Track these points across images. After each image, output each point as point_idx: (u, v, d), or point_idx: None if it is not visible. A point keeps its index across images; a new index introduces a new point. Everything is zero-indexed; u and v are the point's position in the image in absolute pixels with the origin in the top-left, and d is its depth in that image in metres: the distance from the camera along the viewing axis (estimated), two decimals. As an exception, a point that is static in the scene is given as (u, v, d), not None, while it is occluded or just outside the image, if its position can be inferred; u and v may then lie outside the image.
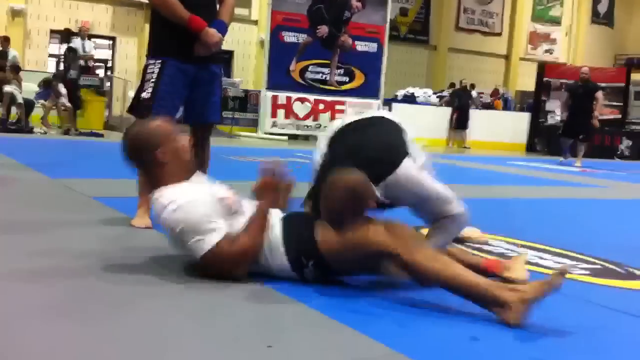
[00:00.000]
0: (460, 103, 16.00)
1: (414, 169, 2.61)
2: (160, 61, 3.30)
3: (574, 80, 12.46)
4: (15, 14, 16.63)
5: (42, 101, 11.59)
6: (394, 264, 2.23)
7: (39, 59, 16.92)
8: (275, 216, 2.44)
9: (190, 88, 3.37)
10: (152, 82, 3.28)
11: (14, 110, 10.93)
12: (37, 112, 11.50)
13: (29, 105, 11.16)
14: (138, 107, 3.32)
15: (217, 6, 3.46)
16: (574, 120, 11.50)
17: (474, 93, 17.84)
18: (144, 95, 3.28)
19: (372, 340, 1.87)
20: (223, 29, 3.35)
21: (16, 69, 11.50)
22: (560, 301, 2.52)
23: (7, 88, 10.72)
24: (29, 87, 11.77)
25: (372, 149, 2.59)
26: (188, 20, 3.21)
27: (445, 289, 2.22)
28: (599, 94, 11.74)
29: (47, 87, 11.60)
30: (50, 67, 16.21)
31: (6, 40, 12.39)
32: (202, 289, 2.26)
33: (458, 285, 2.18)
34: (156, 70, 3.28)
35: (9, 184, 4.47)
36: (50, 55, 17.05)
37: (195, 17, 3.22)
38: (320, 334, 1.93)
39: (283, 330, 1.96)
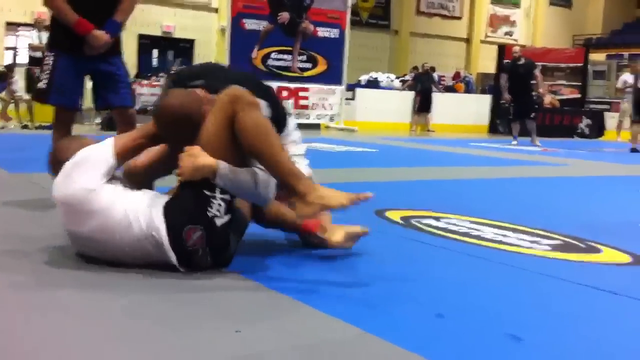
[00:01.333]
0: (422, 87, 16.09)
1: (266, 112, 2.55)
2: (54, 54, 3.61)
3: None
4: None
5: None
6: (235, 123, 2.26)
7: (-6, 52, 16.55)
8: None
9: (92, 78, 3.75)
10: (47, 73, 3.61)
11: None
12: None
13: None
14: (37, 95, 3.77)
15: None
16: (522, 100, 11.77)
17: (435, 76, 17.95)
18: (41, 85, 3.66)
19: (343, 322, 1.90)
20: (114, 29, 3.65)
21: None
22: (522, 276, 2.59)
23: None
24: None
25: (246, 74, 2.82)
26: (75, 24, 3.51)
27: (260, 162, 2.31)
28: (537, 72, 12.24)
29: (3, 80, 11.37)
30: (7, 59, 15.86)
31: None
32: (167, 277, 2.26)
33: (275, 161, 2.26)
34: (51, 63, 3.60)
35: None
36: (7, 48, 16.69)
37: (81, 21, 3.50)
38: (290, 317, 1.95)
39: (250, 315, 1.97)
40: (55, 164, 2.45)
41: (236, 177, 2.30)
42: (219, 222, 2.29)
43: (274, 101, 2.73)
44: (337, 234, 2.71)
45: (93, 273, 2.29)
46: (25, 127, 10.76)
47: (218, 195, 2.29)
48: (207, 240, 2.28)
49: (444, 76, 19.95)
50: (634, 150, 11.38)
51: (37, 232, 2.87)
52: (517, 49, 12.88)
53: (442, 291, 2.31)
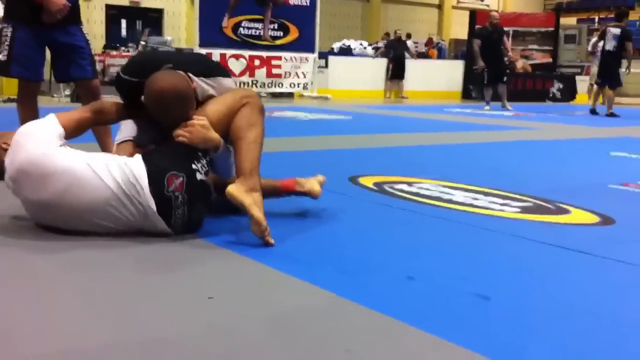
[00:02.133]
0: (395, 54, 16.06)
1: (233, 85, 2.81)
2: (12, 25, 3.53)
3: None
4: None
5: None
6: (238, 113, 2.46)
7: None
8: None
9: (52, 49, 3.66)
10: (7, 45, 3.53)
11: None
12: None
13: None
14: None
15: None
16: (495, 66, 11.88)
17: (410, 43, 17.92)
18: (0, 57, 3.55)
19: (316, 287, 1.91)
20: None
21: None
22: (492, 237, 2.63)
23: None
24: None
25: (203, 56, 3.13)
26: None
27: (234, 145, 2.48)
28: (505, 38, 12.59)
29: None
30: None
31: None
32: (136, 245, 2.25)
33: (244, 150, 2.42)
34: (9, 34, 3.53)
35: None
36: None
37: None
38: (264, 284, 1.97)
39: (224, 282, 1.98)
40: None
41: (224, 153, 2.51)
42: (199, 176, 2.36)
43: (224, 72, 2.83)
44: (315, 186, 2.83)
45: (59, 243, 2.27)
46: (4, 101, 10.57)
47: (206, 159, 2.42)
48: (187, 189, 2.32)
49: (417, 42, 19.92)
50: (593, 112, 11.55)
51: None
52: (496, 15, 12.89)
53: (413, 254, 2.34)
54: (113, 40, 17.11)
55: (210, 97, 2.59)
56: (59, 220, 2.36)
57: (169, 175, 2.30)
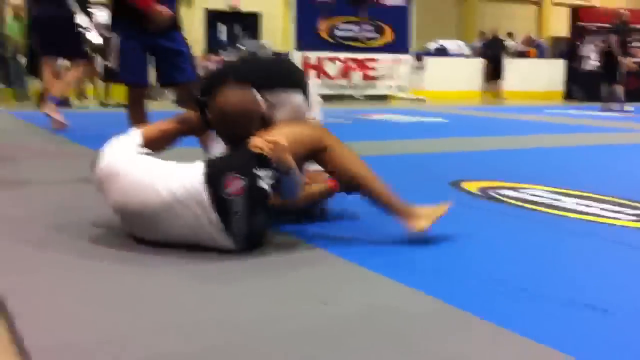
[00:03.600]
0: (492, 53, 15.72)
1: (302, 102, 2.65)
2: (119, 34, 3.71)
3: (609, 23, 12.18)
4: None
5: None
6: (327, 159, 2.42)
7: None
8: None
9: (155, 54, 3.79)
10: (115, 53, 3.72)
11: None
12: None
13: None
14: (107, 75, 3.82)
15: None
16: (612, 64, 11.44)
17: (512, 43, 17.51)
18: (110, 65, 3.80)
19: (424, 294, 1.89)
20: (171, 4, 3.71)
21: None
22: (606, 246, 2.52)
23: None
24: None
25: (271, 63, 2.85)
26: (136, 0, 3.58)
27: (361, 193, 2.47)
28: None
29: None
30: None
31: None
32: (238, 253, 2.28)
33: (379, 191, 2.44)
34: (117, 43, 3.70)
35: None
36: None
37: None
38: (370, 289, 1.95)
39: (336, 288, 1.98)
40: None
41: (291, 179, 2.33)
42: (261, 183, 2.22)
43: (303, 85, 2.73)
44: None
45: (157, 253, 2.28)
46: (102, 104, 11.05)
47: (272, 172, 2.26)
48: (248, 194, 2.20)
49: (514, 41, 19.38)
50: None
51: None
52: (627, 13, 12.36)
53: (524, 264, 2.27)
54: (212, 44, 17.56)
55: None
56: (130, 228, 2.40)
57: (227, 176, 2.19)
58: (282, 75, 2.68)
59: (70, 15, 6.37)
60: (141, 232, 2.36)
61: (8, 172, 4.06)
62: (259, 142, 2.27)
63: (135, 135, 2.50)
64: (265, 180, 2.23)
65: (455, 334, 1.64)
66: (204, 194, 2.18)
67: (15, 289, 1.91)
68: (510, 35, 18.56)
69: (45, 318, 1.70)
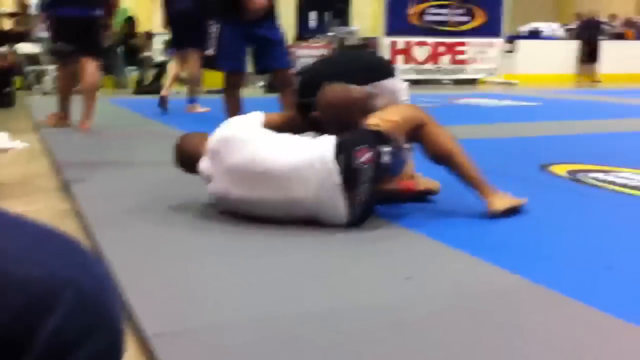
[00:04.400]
0: (588, 35, 15.20)
1: (399, 84, 2.85)
2: (218, 23, 3.99)
3: None
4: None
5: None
6: (424, 134, 2.58)
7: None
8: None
9: (251, 43, 4.00)
10: (215, 41, 4.01)
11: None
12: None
13: (161, 68, 11.78)
14: (206, 62, 4.30)
15: None
16: None
17: (609, 25, 16.87)
18: (210, 52, 4.10)
19: (509, 272, 1.95)
20: None
21: (149, 36, 12.25)
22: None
23: (147, 53, 11.49)
24: (160, 50, 12.40)
25: (362, 61, 2.95)
26: None
27: (451, 167, 2.61)
28: None
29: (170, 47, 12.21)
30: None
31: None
32: (334, 228, 2.40)
33: (467, 167, 2.61)
34: (217, 32, 3.97)
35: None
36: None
37: None
38: (456, 266, 2.03)
39: (419, 263, 2.07)
40: (181, 154, 2.70)
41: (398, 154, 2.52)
42: (385, 158, 2.38)
43: (392, 72, 2.87)
44: (433, 182, 2.89)
45: (254, 233, 2.41)
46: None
47: (391, 148, 2.42)
48: (375, 165, 2.35)
49: (608, 23, 18.60)
50: None
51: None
52: None
53: (612, 243, 2.29)
54: (303, 32, 17.76)
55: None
56: (245, 200, 2.46)
57: (359, 147, 2.34)
58: (372, 69, 2.82)
59: (199, 11, 6.50)
60: (254, 200, 2.44)
61: (117, 154, 4.34)
62: (377, 121, 2.48)
63: (258, 115, 2.66)
64: (387, 155, 2.39)
65: (540, 312, 1.70)
66: (334, 162, 2.33)
67: (128, 265, 2.10)
68: (613, 17, 17.87)
69: (161, 302, 1.87)
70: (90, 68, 5.42)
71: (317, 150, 2.37)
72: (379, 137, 2.42)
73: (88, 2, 5.25)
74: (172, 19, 7.00)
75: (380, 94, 2.67)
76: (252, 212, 2.48)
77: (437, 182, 2.90)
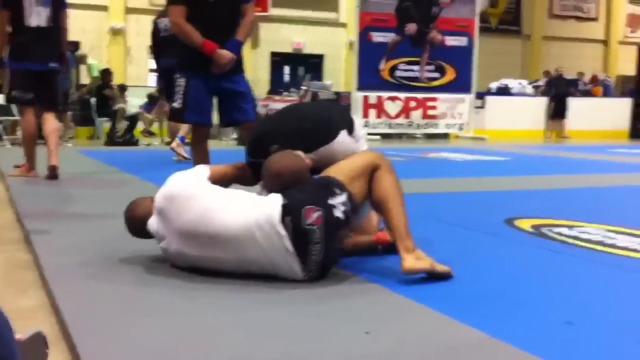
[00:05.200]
0: (557, 91, 15.57)
1: (347, 139, 2.79)
2: (184, 75, 3.90)
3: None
4: (116, 32, 17.48)
5: (145, 113, 12.23)
6: (373, 178, 2.53)
7: (140, 74, 17.72)
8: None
9: (218, 96, 3.99)
10: (181, 93, 3.90)
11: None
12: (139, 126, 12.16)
13: (133, 120, 11.80)
14: (173, 114, 4.08)
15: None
16: None
17: (580, 83, 17.36)
18: (176, 105, 3.96)
19: (470, 326, 1.94)
20: (236, 48, 3.89)
21: (122, 88, 12.35)
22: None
23: (120, 105, 11.54)
24: (133, 102, 12.44)
25: (309, 121, 2.86)
26: (201, 45, 3.78)
27: (383, 213, 2.54)
28: None
29: (153, 102, 12.28)
30: (151, 81, 16.93)
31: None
32: (291, 283, 2.38)
33: (397, 217, 2.49)
34: (183, 84, 3.89)
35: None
36: (151, 70, 17.81)
37: (206, 42, 3.78)
38: (417, 321, 2.02)
39: (379, 318, 2.05)
40: (132, 222, 2.66)
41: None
42: (336, 213, 2.36)
43: (347, 123, 2.85)
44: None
45: (208, 285, 2.37)
46: (168, 143, 11.45)
47: (344, 197, 2.40)
48: (325, 223, 2.32)
49: (578, 79, 19.13)
50: None
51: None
52: None
53: (572, 299, 2.29)
54: (277, 86, 17.95)
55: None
56: (200, 259, 2.43)
57: (306, 208, 2.32)
58: (323, 130, 2.78)
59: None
60: (208, 258, 2.41)
61: (79, 206, 4.29)
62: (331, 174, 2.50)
63: (203, 170, 2.64)
64: (339, 208, 2.37)
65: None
66: (281, 226, 2.30)
67: (78, 320, 2.05)
68: (580, 74, 18.36)
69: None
70: (49, 117, 5.68)
71: (264, 212, 2.33)
72: (329, 189, 2.40)
73: (45, 57, 5.51)
74: (161, 74, 7.31)
75: (327, 156, 2.67)
76: (211, 268, 2.44)
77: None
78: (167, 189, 2.52)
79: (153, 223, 2.52)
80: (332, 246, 2.38)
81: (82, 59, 12.35)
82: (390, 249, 2.81)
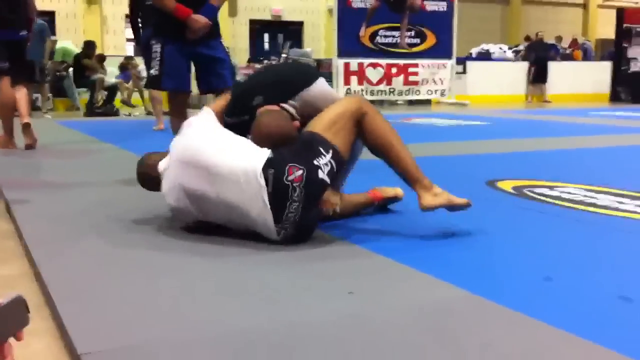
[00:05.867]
0: (537, 56, 15.59)
1: (326, 85, 2.86)
2: (160, 42, 3.82)
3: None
4: (91, 1, 17.20)
5: (124, 83, 12.10)
6: (364, 123, 2.54)
7: (117, 43, 17.49)
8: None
9: (195, 62, 3.92)
10: (158, 60, 3.82)
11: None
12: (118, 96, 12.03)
13: (113, 90, 11.66)
14: (150, 82, 4.02)
15: None
16: None
17: (558, 46, 17.35)
18: (153, 72, 3.86)
19: (452, 285, 1.95)
20: (210, 13, 3.80)
21: (101, 58, 12.16)
22: (637, 241, 2.54)
23: (98, 75, 11.36)
24: (111, 72, 12.29)
25: (287, 69, 3.00)
26: (174, 10, 3.71)
27: (388, 158, 2.59)
28: None
29: (124, 70, 12.12)
30: (129, 51, 16.74)
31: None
32: (278, 247, 2.38)
33: (404, 160, 2.57)
34: (158, 50, 3.81)
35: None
36: (128, 40, 17.58)
37: (179, 7, 3.71)
38: (400, 281, 2.03)
39: (362, 278, 2.06)
40: (145, 179, 2.74)
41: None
42: (320, 173, 2.36)
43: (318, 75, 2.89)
44: (397, 189, 3.01)
45: (192, 245, 2.41)
46: (149, 113, 11.35)
47: (329, 157, 2.40)
48: (306, 183, 2.33)
49: (555, 43, 19.14)
50: None
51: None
52: None
53: (552, 256, 2.32)
54: (257, 54, 17.81)
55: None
56: (190, 193, 2.45)
57: (290, 164, 2.32)
58: (299, 77, 2.82)
59: None
60: (199, 196, 2.43)
61: (62, 176, 4.25)
62: (317, 129, 2.50)
63: (209, 113, 2.69)
64: (324, 170, 2.37)
65: (479, 322, 1.70)
66: (262, 177, 2.31)
67: (63, 288, 2.04)
68: (559, 39, 18.38)
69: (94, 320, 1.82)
70: (20, 87, 5.66)
71: (250, 161, 2.35)
72: (315, 148, 2.39)
73: (15, 26, 5.48)
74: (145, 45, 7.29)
75: (309, 103, 2.69)
76: (197, 210, 2.47)
77: (399, 189, 2.99)
78: (183, 132, 2.58)
79: (164, 161, 2.59)
80: (311, 206, 2.38)
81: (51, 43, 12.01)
82: (384, 205, 2.99)
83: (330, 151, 2.41)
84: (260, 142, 2.53)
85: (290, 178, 2.32)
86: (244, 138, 2.53)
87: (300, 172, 2.33)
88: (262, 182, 2.31)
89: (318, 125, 2.50)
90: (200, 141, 2.47)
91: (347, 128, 2.51)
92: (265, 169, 2.32)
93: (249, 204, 2.34)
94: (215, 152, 2.41)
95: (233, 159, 2.37)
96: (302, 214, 2.36)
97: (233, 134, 2.54)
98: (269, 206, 2.33)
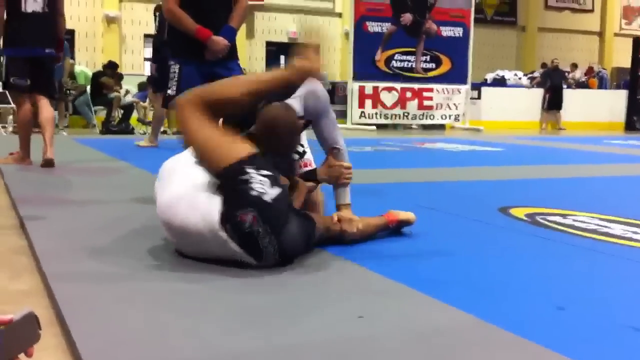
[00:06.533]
0: (552, 83, 15.59)
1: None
2: (178, 62, 3.91)
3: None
4: (110, 20, 17.41)
5: (141, 102, 12.20)
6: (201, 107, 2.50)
7: (134, 62, 17.66)
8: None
9: (211, 82, 3.87)
10: (175, 80, 3.90)
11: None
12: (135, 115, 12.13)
13: (129, 109, 11.77)
14: (167, 101, 4.04)
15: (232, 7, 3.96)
16: None
17: (577, 73, 17.34)
18: (170, 92, 3.92)
19: (462, 311, 1.94)
20: (230, 35, 3.87)
21: (119, 77, 12.32)
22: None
23: (115, 93, 11.51)
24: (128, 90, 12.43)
25: None
26: (195, 32, 3.76)
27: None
28: None
29: (144, 89, 12.22)
30: (147, 70, 16.88)
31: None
32: (275, 268, 2.39)
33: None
34: (177, 70, 3.90)
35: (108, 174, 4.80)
36: (146, 59, 17.75)
37: (200, 29, 3.76)
38: (408, 305, 2.02)
39: (371, 301, 2.05)
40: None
41: None
42: (267, 197, 2.29)
43: None
44: (409, 214, 3.01)
45: (207, 265, 2.39)
46: (164, 132, 11.43)
47: (254, 173, 2.32)
48: (262, 219, 2.28)
49: (568, 71, 19.14)
50: None
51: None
52: None
53: (565, 285, 2.30)
54: (271, 75, 17.88)
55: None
56: (167, 221, 2.47)
57: (239, 213, 2.27)
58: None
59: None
60: (179, 241, 2.50)
61: (74, 193, 4.29)
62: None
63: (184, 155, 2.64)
64: (264, 186, 2.30)
65: (490, 350, 1.69)
66: (224, 231, 2.30)
67: (72, 304, 2.05)
68: (574, 66, 18.40)
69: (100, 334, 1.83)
70: (45, 103, 5.67)
71: (206, 220, 2.31)
72: (237, 177, 2.32)
73: (41, 43, 5.54)
74: (159, 65, 7.82)
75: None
76: (179, 241, 2.50)
77: (411, 213, 3.00)
78: (161, 175, 2.61)
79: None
80: (282, 226, 2.33)
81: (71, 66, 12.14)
82: (398, 228, 2.99)
83: (246, 165, 2.33)
84: (265, 133, 2.57)
85: (247, 225, 2.27)
86: (200, 191, 2.39)
87: (251, 214, 2.27)
88: (224, 235, 2.30)
89: (212, 161, 2.40)
90: (168, 198, 2.45)
91: (216, 132, 2.47)
92: (222, 224, 2.29)
93: (225, 251, 2.34)
94: (180, 211, 2.37)
95: (196, 218, 2.33)
96: (279, 238, 2.32)
97: (194, 182, 2.42)
98: (244, 252, 2.32)
